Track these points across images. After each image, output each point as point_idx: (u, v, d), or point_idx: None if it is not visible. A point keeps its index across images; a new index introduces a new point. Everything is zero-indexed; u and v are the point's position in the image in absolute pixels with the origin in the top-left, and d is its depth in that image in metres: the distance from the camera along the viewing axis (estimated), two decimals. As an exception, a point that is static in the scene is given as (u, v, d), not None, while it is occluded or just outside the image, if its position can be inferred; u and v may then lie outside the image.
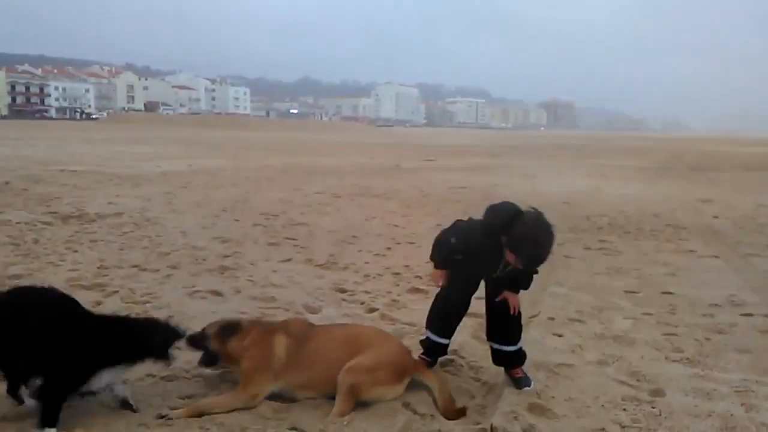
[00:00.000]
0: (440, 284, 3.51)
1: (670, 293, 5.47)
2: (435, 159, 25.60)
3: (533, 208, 3.11)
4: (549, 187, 14.97)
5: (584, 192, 14.18)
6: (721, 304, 5.13)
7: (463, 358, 3.81)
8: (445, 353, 3.67)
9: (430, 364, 3.56)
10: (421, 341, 3.67)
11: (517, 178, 16.89)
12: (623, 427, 2.92)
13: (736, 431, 2.90)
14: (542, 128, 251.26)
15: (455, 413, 3.01)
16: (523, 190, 13.71)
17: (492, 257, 3.23)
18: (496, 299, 3.38)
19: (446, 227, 3.51)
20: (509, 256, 3.10)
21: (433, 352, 3.60)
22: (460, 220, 3.52)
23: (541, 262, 3.09)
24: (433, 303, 3.63)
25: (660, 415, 3.05)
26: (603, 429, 2.89)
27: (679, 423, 2.97)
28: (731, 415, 3.05)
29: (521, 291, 3.43)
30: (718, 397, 3.26)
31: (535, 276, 3.38)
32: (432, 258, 3.51)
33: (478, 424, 2.93)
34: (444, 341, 3.56)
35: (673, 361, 3.82)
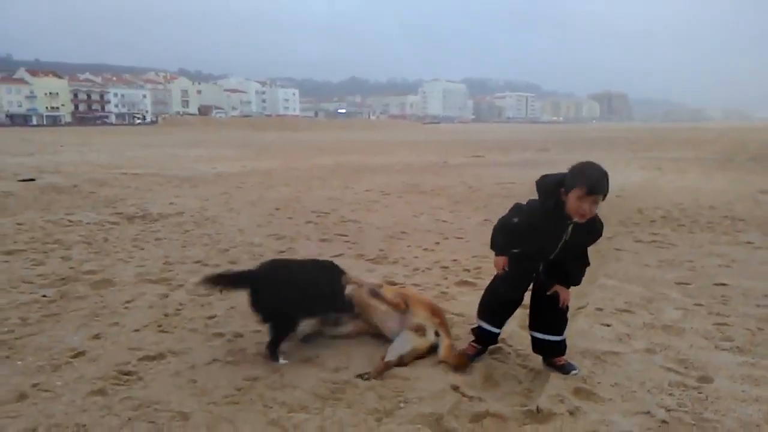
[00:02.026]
0: (502, 270, 3.51)
1: (723, 284, 5.40)
2: (483, 155, 25.48)
3: None
4: (600, 180, 14.73)
5: (637, 185, 13.90)
6: (776, 295, 5.05)
7: (510, 346, 3.92)
8: (496, 342, 3.79)
9: (480, 352, 3.69)
10: (473, 329, 3.79)
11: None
12: (668, 410, 2.99)
13: (783, 416, 2.92)
14: (594, 121, 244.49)
15: (455, 359, 3.53)
16: (574, 184, 13.56)
17: (553, 229, 3.26)
18: (548, 293, 3.45)
19: (503, 215, 3.54)
20: (571, 202, 3.13)
21: (483, 340, 3.72)
22: (519, 203, 3.54)
23: (602, 185, 3.12)
24: (485, 293, 3.74)
25: (706, 399, 3.11)
26: (648, 412, 2.97)
27: (724, 407, 3.01)
28: (779, 400, 3.07)
29: (572, 287, 3.50)
30: (766, 384, 3.28)
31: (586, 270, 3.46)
32: (492, 245, 3.54)
33: (525, 406, 3.06)
34: (495, 330, 3.67)
35: (723, 349, 3.83)
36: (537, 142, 41.03)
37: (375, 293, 3.99)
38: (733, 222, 8.77)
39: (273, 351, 3.70)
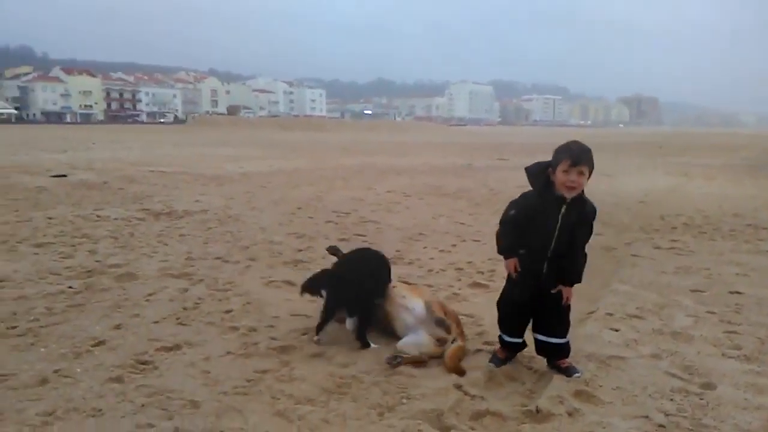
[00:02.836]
0: (515, 271, 3.57)
1: (738, 293, 5.37)
2: (507, 158, 25.38)
3: None
4: (626, 186, 14.61)
5: (662, 191, 13.75)
6: (792, 304, 5.00)
7: (517, 348, 3.97)
8: (522, 348, 3.75)
9: (508, 359, 3.71)
10: (499, 336, 3.80)
11: (593, 177, 16.38)
12: (668, 415, 3.02)
13: (783, 424, 2.93)
14: (621, 125, 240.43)
15: (454, 369, 3.56)
16: (598, 189, 13.41)
17: (548, 210, 3.35)
18: (552, 291, 3.50)
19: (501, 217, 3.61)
20: (558, 178, 3.30)
21: (507, 348, 3.74)
22: (513, 200, 3.61)
23: (584, 156, 3.30)
24: (498, 307, 3.76)
25: (707, 405, 3.13)
26: (647, 416, 3.00)
27: (724, 413, 3.03)
28: (781, 409, 3.08)
29: (575, 285, 3.55)
30: (770, 393, 3.28)
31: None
32: (499, 249, 3.62)
33: (525, 406, 3.12)
34: (516, 340, 3.68)
35: (730, 357, 3.83)
36: (563, 146, 40.58)
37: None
38: (756, 230, 8.64)
39: (363, 338, 3.98)
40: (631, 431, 2.84)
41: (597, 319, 4.57)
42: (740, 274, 6.09)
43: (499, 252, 3.63)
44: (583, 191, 3.36)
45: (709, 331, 4.32)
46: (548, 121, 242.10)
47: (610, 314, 4.68)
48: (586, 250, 3.51)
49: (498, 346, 3.79)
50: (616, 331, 4.31)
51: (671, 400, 3.20)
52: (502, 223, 3.57)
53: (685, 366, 3.66)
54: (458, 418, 3.00)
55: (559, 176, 3.30)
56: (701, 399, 3.20)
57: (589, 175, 3.33)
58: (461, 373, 3.54)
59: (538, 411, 3.03)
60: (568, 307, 3.55)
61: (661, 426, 2.91)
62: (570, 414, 3.02)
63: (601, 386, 3.35)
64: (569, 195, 3.31)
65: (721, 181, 16.05)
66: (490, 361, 3.69)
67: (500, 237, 3.59)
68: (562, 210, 3.34)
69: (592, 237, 3.54)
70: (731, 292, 5.39)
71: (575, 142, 3.42)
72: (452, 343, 3.77)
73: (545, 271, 3.46)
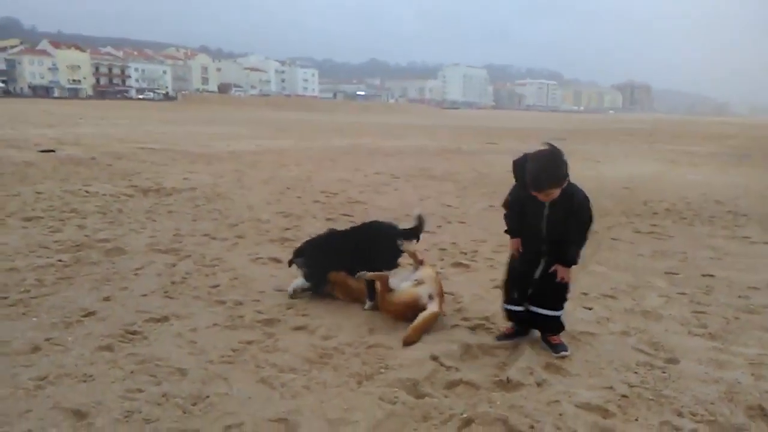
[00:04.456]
0: (517, 253, 3.77)
1: (710, 276, 5.56)
2: (497, 142, 25.50)
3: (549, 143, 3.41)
4: (612, 172, 14.77)
5: (648, 178, 13.94)
6: (760, 287, 5.19)
7: (494, 324, 4.13)
8: (523, 324, 3.85)
9: (518, 332, 3.86)
10: (503, 309, 3.95)
11: (580, 163, 16.64)
12: (631, 386, 3.19)
13: (738, 396, 3.10)
14: (611, 111, 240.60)
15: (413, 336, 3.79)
16: (584, 175, 13.57)
17: (534, 206, 3.50)
18: (550, 270, 3.61)
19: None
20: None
21: (511, 319, 3.89)
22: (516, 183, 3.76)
23: (539, 182, 3.34)
24: (504, 278, 3.93)
25: (669, 378, 3.31)
26: (611, 387, 3.17)
27: (684, 386, 3.21)
28: (738, 382, 3.26)
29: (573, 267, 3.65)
30: (730, 368, 3.47)
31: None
32: (506, 229, 3.82)
33: (497, 376, 3.29)
34: (516, 308, 3.82)
35: (695, 335, 4.02)
36: (554, 130, 40.80)
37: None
38: (735, 217, 8.85)
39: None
40: (595, 400, 3.01)
41: (572, 299, 4.66)
42: (714, 258, 6.29)
43: (505, 232, 3.85)
44: (567, 184, 3.41)
45: (679, 311, 4.51)
46: (542, 106, 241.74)
47: (585, 294, 4.85)
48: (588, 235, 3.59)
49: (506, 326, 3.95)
50: (590, 309, 4.49)
51: (635, 373, 3.38)
52: (504, 206, 3.82)
53: (652, 342, 3.84)
54: (433, 387, 3.16)
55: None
56: (664, 372, 3.38)
57: (561, 184, 3.37)
58: (411, 342, 3.72)
59: (508, 381, 3.20)
60: (566, 286, 3.66)
61: (624, 396, 3.08)
62: (539, 384, 3.19)
63: (569, 359, 3.52)
64: (546, 201, 3.44)
65: (707, 169, 16.27)
66: (496, 338, 3.86)
67: (505, 219, 3.83)
68: (546, 210, 3.48)
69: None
70: (704, 275, 5.58)
71: (534, 160, 3.37)
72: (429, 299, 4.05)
73: (544, 250, 3.63)
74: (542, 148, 3.40)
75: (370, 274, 4.20)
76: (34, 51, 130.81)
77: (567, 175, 3.38)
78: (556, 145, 3.38)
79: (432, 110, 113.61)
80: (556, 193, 3.37)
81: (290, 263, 4.76)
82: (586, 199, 3.50)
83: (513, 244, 3.80)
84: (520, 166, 3.53)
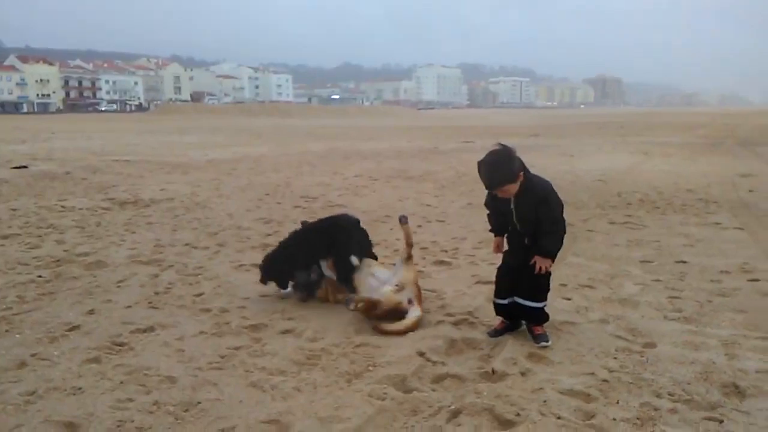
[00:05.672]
0: (496, 251, 3.99)
1: (683, 262, 5.72)
2: (473, 141, 25.74)
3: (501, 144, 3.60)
4: (586, 165, 15.02)
5: (621, 170, 14.20)
6: (731, 271, 5.36)
7: (477, 318, 4.22)
8: (511, 318, 3.93)
9: (509, 327, 3.93)
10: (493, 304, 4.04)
11: (555, 158, 16.94)
12: (611, 371, 3.30)
13: (713, 375, 3.23)
14: (582, 106, 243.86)
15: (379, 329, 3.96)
16: (559, 169, 13.85)
17: (502, 203, 3.70)
18: (530, 263, 3.70)
19: None
20: None
21: (500, 312, 3.96)
22: None
23: (492, 182, 3.55)
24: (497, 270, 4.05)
25: (647, 362, 3.42)
26: (593, 373, 3.28)
27: (662, 368, 3.33)
28: (713, 362, 3.38)
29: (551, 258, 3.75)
30: (704, 349, 3.60)
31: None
32: (489, 228, 4.02)
33: (482, 368, 3.37)
34: (501, 301, 3.91)
35: (671, 319, 4.15)
36: (528, 127, 41.30)
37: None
38: (706, 204, 9.09)
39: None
40: (577, 386, 3.11)
41: (551, 290, 4.83)
42: (687, 245, 6.47)
43: (489, 230, 4.03)
44: (526, 178, 3.55)
45: (654, 297, 4.65)
46: (516, 103, 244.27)
47: (564, 285, 4.97)
48: (561, 222, 3.70)
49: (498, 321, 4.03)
50: (569, 299, 4.60)
51: (615, 358, 3.49)
52: (485, 206, 3.99)
53: (630, 328, 3.96)
54: (421, 382, 3.24)
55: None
56: (642, 356, 3.50)
57: (514, 180, 3.51)
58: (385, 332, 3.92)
59: (493, 372, 3.29)
60: (547, 277, 3.76)
61: (604, 381, 3.18)
62: (523, 373, 3.28)
63: (552, 349, 3.62)
64: (507, 197, 3.62)
65: (679, 159, 16.62)
66: (488, 334, 3.92)
67: (488, 218, 4.02)
68: (512, 205, 3.67)
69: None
70: (677, 262, 5.74)
71: (485, 163, 3.55)
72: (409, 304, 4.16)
73: (527, 243, 3.75)
74: (494, 148, 3.58)
75: (360, 305, 4.14)
76: (2, 66, 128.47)
77: (520, 171, 3.52)
78: (506, 144, 3.57)
79: (408, 111, 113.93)
80: (513, 188, 3.53)
81: (263, 281, 4.89)
82: (547, 186, 3.64)
83: (494, 242, 3.99)
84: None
